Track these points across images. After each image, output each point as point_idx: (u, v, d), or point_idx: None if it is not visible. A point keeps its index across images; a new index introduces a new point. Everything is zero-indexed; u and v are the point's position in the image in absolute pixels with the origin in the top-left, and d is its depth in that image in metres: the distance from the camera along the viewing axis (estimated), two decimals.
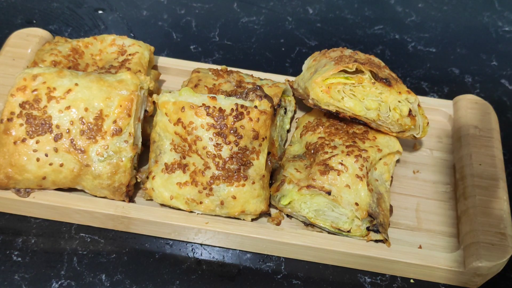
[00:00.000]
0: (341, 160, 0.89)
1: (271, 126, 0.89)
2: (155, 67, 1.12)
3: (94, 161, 0.86)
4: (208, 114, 0.84)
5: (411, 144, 1.07)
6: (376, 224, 0.87)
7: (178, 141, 0.86)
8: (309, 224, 0.92)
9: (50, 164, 0.85)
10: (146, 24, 1.33)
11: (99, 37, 1.05)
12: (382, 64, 1.02)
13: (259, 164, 0.87)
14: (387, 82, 0.94)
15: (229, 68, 1.08)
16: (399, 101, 0.94)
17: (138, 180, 0.92)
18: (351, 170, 0.88)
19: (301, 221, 0.93)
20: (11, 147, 0.85)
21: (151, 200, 0.91)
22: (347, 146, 0.91)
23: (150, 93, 0.95)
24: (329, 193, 0.87)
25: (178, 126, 0.85)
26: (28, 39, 1.08)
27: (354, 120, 0.96)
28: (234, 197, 0.85)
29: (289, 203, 0.90)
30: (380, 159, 0.94)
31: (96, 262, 0.89)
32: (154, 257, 0.91)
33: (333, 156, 0.90)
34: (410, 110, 0.95)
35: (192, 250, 0.93)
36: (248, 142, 0.85)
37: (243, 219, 0.90)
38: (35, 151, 0.85)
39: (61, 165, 0.85)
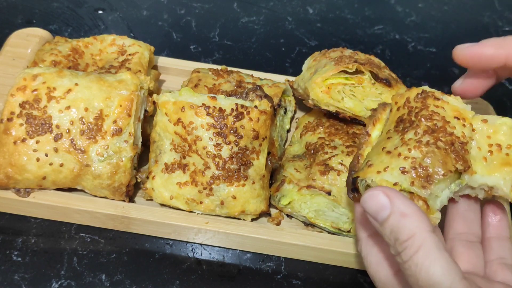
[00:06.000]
0: (341, 160, 0.89)
1: (271, 126, 0.89)
2: (155, 67, 1.12)
3: (94, 161, 0.86)
4: (208, 114, 0.84)
5: None
6: None
7: (178, 141, 0.86)
8: (309, 224, 0.92)
9: (50, 164, 0.85)
10: (146, 24, 1.33)
11: (99, 37, 1.05)
12: (382, 64, 1.02)
13: (259, 164, 0.87)
14: (387, 83, 0.94)
15: (229, 68, 1.08)
16: None
17: (138, 180, 0.92)
18: None
19: (301, 221, 0.93)
20: (11, 147, 0.85)
21: (151, 200, 0.91)
22: (347, 146, 0.91)
23: (150, 93, 0.95)
24: (329, 193, 0.87)
25: (178, 126, 0.85)
26: (28, 39, 1.08)
27: (354, 121, 0.96)
28: (234, 197, 0.85)
29: (289, 203, 0.90)
30: None
31: (96, 262, 0.89)
32: (154, 257, 0.91)
33: (333, 156, 0.90)
34: None
35: (192, 250, 0.93)
36: (248, 142, 0.85)
37: (243, 219, 0.90)
38: (35, 151, 0.85)
39: (61, 165, 0.85)
